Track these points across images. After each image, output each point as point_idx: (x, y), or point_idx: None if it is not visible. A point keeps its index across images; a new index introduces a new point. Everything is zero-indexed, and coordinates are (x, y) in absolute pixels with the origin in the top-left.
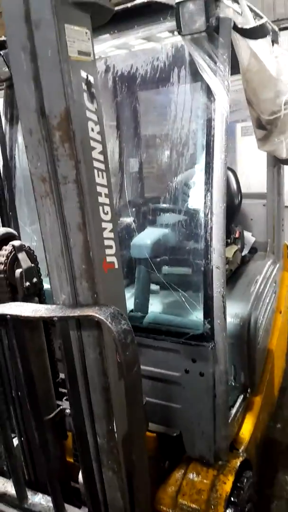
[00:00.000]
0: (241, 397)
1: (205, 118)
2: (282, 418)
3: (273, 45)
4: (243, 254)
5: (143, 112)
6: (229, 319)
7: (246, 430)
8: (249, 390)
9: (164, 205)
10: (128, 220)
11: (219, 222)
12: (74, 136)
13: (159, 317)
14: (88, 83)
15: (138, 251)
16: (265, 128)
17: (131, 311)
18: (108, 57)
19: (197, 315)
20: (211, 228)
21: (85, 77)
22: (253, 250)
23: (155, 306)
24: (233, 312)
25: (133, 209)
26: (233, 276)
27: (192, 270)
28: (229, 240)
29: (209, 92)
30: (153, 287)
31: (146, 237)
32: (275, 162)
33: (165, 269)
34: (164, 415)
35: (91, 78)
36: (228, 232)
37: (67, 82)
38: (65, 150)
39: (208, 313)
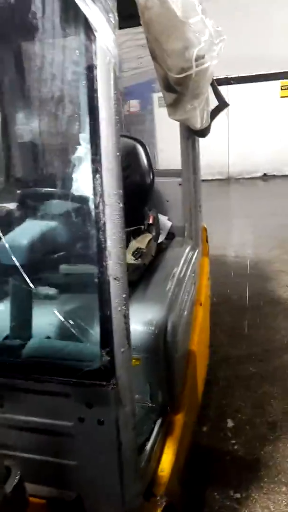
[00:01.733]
0: (159, 421)
1: (85, 66)
2: (208, 419)
3: None
4: (159, 241)
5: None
6: (142, 328)
7: (167, 462)
8: (168, 409)
9: (46, 190)
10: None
11: (115, 215)
12: None
13: (44, 345)
14: None
15: (9, 256)
16: (175, 91)
17: (6, 337)
18: None
19: (94, 341)
20: (104, 224)
21: None
22: (171, 235)
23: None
24: (146, 319)
25: (10, 196)
26: (148, 271)
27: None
28: (142, 227)
29: (88, 29)
30: (49, 290)
31: (21, 236)
32: (189, 134)
33: (64, 268)
34: (57, 475)
35: None
36: (141, 217)
37: None
38: None
39: (107, 341)
